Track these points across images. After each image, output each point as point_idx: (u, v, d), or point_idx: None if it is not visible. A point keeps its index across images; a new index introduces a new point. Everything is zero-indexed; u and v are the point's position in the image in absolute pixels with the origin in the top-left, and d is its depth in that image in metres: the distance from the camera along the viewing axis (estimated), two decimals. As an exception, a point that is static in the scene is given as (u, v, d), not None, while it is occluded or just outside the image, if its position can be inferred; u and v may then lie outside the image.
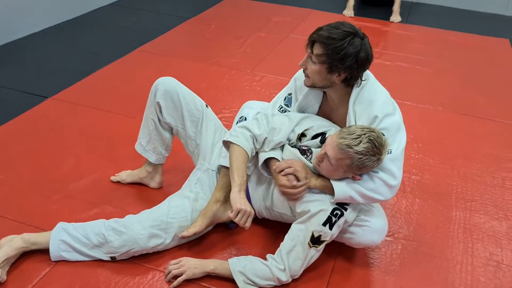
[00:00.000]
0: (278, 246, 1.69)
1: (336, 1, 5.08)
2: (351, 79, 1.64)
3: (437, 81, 3.47)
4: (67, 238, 1.71)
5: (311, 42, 1.64)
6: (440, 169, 2.45)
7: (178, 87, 1.94)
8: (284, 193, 1.68)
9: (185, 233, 1.75)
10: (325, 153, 1.58)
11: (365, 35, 1.64)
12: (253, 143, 1.74)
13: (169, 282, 1.69)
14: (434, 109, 3.06)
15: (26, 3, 3.71)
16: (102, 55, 3.50)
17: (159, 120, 1.96)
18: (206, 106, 1.99)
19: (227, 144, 1.77)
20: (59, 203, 2.02)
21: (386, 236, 1.95)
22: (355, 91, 1.68)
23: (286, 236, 1.68)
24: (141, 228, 1.72)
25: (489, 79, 3.56)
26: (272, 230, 1.93)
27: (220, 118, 2.68)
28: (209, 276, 1.71)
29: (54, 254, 1.70)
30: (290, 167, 1.65)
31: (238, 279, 1.64)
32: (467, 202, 2.23)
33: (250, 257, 1.70)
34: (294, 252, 1.64)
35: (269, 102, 1.99)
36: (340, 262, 1.83)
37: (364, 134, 1.52)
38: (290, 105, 1.88)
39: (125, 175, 2.17)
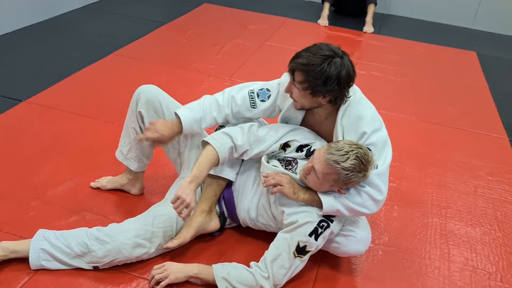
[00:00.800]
0: (263, 254, 1.70)
1: (311, 11, 5.17)
2: (337, 99, 1.65)
3: (409, 91, 3.58)
4: (48, 247, 1.66)
5: (291, 70, 1.64)
6: (416, 177, 2.52)
7: (160, 95, 1.90)
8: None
9: (170, 244, 1.74)
10: (312, 167, 1.59)
11: (345, 53, 1.63)
12: (231, 153, 1.76)
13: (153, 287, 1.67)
14: (408, 119, 3.15)
15: (-3, 3, 3.61)
16: (78, 58, 3.43)
17: (140, 129, 1.92)
18: None
19: (205, 144, 1.76)
20: (37, 210, 1.97)
21: (367, 242, 2.01)
22: (342, 107, 1.70)
23: (271, 244, 1.69)
24: (125, 238, 1.69)
25: (458, 90, 3.69)
26: (257, 238, 1.93)
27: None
28: (188, 282, 1.70)
29: (34, 263, 1.65)
30: (277, 184, 1.64)
31: (221, 286, 1.63)
32: (443, 209, 2.30)
33: (234, 263, 1.70)
34: (278, 261, 1.64)
35: None
36: (324, 269, 1.85)
37: (352, 150, 1.54)
38: (260, 98, 1.84)
39: (105, 182, 2.13)
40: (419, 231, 2.13)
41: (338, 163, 1.53)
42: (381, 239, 2.05)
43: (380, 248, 2.00)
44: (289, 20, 4.81)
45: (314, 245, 1.64)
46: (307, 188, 1.68)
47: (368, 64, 3.96)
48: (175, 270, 1.67)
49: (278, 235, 1.70)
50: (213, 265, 1.68)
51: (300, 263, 1.67)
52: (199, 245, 1.88)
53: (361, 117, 1.68)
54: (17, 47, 3.52)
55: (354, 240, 1.74)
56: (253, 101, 1.85)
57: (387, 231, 2.10)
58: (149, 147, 1.98)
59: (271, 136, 1.78)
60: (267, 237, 1.84)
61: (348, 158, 1.53)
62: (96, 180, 2.15)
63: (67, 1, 4.35)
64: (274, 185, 1.65)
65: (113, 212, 2.01)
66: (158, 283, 1.66)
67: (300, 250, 1.64)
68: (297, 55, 1.62)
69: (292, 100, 1.77)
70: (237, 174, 1.87)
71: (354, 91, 1.73)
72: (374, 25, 4.89)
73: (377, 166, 1.63)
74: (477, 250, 2.06)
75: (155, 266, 1.69)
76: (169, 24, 4.35)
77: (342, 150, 1.54)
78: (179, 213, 1.63)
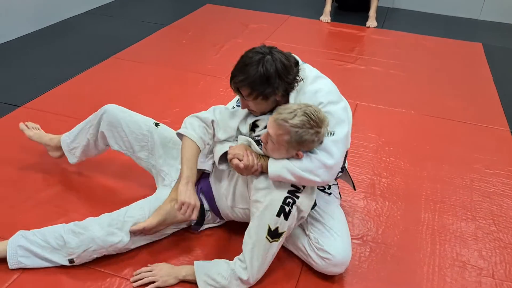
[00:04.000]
0: None
1: (313, 7, 5.13)
2: (287, 89, 1.67)
3: (410, 85, 3.52)
4: (25, 243, 1.70)
5: (236, 90, 1.68)
6: (411, 172, 2.48)
7: (121, 117, 1.98)
8: (241, 170, 1.64)
9: (134, 227, 1.74)
10: (268, 132, 1.59)
11: (271, 47, 1.66)
12: (204, 132, 1.74)
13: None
14: (406, 113, 3.10)
15: (-1, 12, 3.68)
16: (77, 63, 3.47)
17: (94, 142, 2.07)
18: (157, 125, 2.01)
19: (180, 136, 1.77)
20: (25, 213, 2.00)
21: (355, 239, 1.99)
22: (295, 88, 1.69)
23: (245, 234, 1.67)
24: (99, 228, 1.72)
25: (461, 82, 3.61)
26: (241, 235, 1.92)
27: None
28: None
29: (11, 260, 1.68)
30: (234, 157, 1.63)
31: (200, 279, 1.64)
32: (436, 204, 2.25)
33: (216, 260, 1.71)
34: (255, 249, 1.62)
35: None
36: (308, 265, 1.83)
37: (300, 108, 1.54)
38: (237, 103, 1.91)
39: (32, 133, 2.24)
40: (410, 227, 2.09)
41: (286, 121, 1.53)
42: (369, 235, 2.02)
43: (368, 245, 1.97)
44: (291, 18, 4.78)
45: (286, 226, 1.60)
46: (266, 156, 1.66)
47: (369, 59, 3.91)
48: (165, 274, 1.70)
49: (249, 225, 1.67)
50: (194, 262, 1.69)
51: (275, 246, 1.63)
52: (182, 243, 1.88)
53: (317, 91, 1.67)
54: (19, 53, 3.59)
55: (331, 264, 1.71)
56: (233, 107, 1.88)
57: (377, 227, 2.07)
58: (96, 153, 2.15)
59: (237, 110, 1.80)
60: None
61: (295, 115, 1.53)
62: (26, 124, 2.28)
63: (69, 7, 4.41)
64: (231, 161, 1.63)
65: (102, 213, 2.02)
66: (145, 284, 1.68)
67: (273, 234, 1.60)
68: (233, 75, 1.66)
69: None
70: (213, 165, 1.86)
71: (310, 70, 1.73)
72: (378, 19, 4.82)
73: (333, 133, 1.62)
74: (469, 245, 2.01)
75: (144, 268, 1.72)
76: (170, 26, 4.37)
77: (289, 109, 1.56)
78: (189, 217, 1.66)
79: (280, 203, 1.59)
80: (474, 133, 2.91)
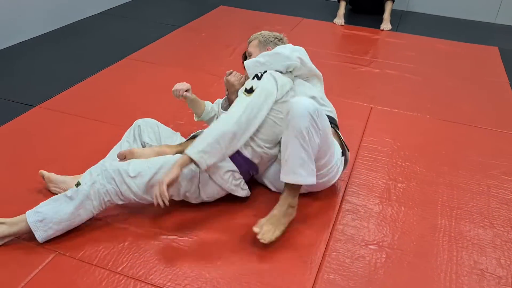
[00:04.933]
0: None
1: (327, 10, 5.11)
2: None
3: (425, 89, 3.48)
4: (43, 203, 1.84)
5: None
6: (427, 177, 2.45)
7: (156, 122, 2.29)
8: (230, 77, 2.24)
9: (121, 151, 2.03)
10: (247, 51, 2.26)
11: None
12: (215, 104, 2.46)
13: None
14: (421, 117, 3.07)
15: (15, 12, 3.71)
16: (91, 63, 3.49)
17: (132, 142, 2.21)
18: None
19: None
20: (41, 212, 2.00)
21: (371, 244, 1.96)
22: None
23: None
24: None
25: (477, 86, 3.57)
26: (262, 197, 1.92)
27: (207, 126, 2.72)
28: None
29: (30, 212, 1.79)
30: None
31: (195, 157, 1.80)
32: (453, 210, 2.22)
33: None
34: (235, 103, 1.96)
35: None
36: (323, 271, 1.81)
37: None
38: None
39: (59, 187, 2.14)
40: (426, 233, 2.07)
41: (254, 34, 2.31)
42: (385, 241, 1.99)
43: (384, 251, 1.95)
44: (304, 20, 4.77)
45: (259, 84, 1.99)
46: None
47: (383, 62, 3.88)
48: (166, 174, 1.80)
49: None
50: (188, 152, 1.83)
51: (251, 99, 1.93)
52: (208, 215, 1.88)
53: None
54: (34, 53, 3.62)
55: (292, 102, 1.86)
56: None
57: (392, 233, 2.05)
58: None
59: None
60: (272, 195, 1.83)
61: (260, 32, 2.31)
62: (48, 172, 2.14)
63: (84, 8, 4.45)
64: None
65: (117, 210, 2.03)
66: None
67: (249, 90, 1.98)
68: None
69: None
70: None
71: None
72: (392, 22, 4.80)
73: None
74: (487, 252, 1.98)
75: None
76: (184, 27, 4.38)
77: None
78: (179, 91, 2.23)
79: (255, 78, 2.04)
80: (490, 138, 2.87)
